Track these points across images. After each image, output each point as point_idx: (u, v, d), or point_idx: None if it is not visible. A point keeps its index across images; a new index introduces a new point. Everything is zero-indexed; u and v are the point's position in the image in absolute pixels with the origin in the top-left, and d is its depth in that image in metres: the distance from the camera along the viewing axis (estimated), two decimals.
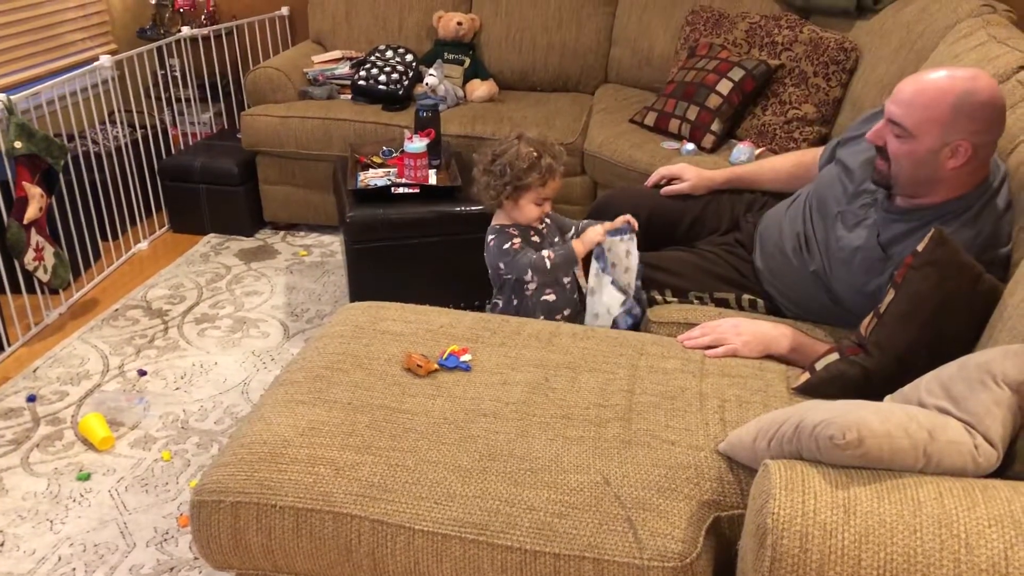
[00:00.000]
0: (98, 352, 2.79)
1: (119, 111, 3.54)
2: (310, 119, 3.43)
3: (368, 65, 3.58)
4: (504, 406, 1.62)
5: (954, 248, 1.55)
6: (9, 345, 2.82)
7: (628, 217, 2.12)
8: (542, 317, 2.14)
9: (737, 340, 1.82)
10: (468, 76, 3.69)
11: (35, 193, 2.79)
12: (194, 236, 3.64)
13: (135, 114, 3.69)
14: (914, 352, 1.55)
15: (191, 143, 3.90)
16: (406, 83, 3.55)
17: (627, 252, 2.09)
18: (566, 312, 2.19)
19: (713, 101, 3.09)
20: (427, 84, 3.51)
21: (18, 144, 2.70)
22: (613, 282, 2.08)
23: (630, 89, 3.69)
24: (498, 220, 2.17)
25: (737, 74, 3.10)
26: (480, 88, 3.62)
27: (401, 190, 2.75)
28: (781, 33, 3.18)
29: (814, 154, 2.22)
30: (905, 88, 1.69)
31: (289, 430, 1.57)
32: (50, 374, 2.67)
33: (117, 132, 3.57)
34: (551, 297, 2.15)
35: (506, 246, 2.09)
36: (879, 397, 1.50)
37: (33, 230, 2.81)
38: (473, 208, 2.70)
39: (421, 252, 2.74)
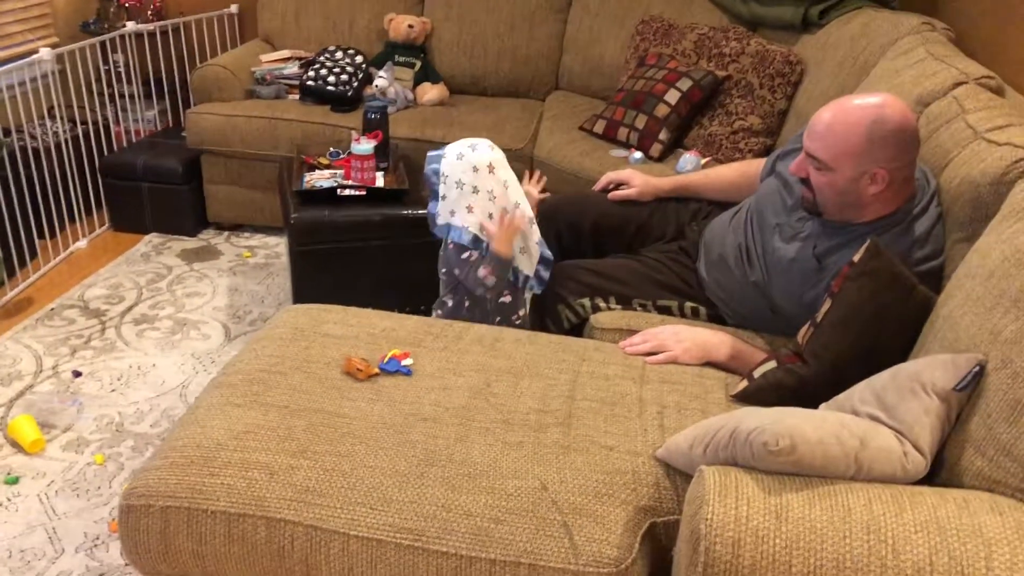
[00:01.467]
0: (31, 352, 2.71)
1: (59, 106, 3.46)
2: (257, 118, 3.38)
3: (317, 65, 3.55)
4: (444, 411, 1.60)
5: (889, 260, 1.58)
6: None
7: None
8: (498, 319, 2.13)
9: (677, 347, 1.83)
10: (419, 79, 3.67)
11: None
12: (135, 235, 3.56)
13: (76, 109, 3.60)
14: (849, 361, 1.58)
15: (135, 140, 3.82)
16: (355, 84, 3.52)
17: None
18: (521, 312, 2.18)
19: (661, 110, 3.12)
20: (376, 86, 3.49)
21: None
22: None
23: (580, 97, 3.71)
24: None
25: (685, 84, 3.13)
26: (431, 91, 3.61)
27: (347, 192, 2.73)
28: (729, 45, 3.22)
29: (758, 165, 2.25)
30: (818, 123, 1.74)
31: (223, 433, 1.54)
32: None
33: (57, 127, 3.48)
34: (507, 299, 2.14)
35: (465, 255, 2.06)
36: (815, 404, 1.52)
37: None
38: (420, 211, 2.68)
39: (367, 255, 2.72)
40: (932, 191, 1.79)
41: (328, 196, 2.73)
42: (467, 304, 2.13)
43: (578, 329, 2.12)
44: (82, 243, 3.46)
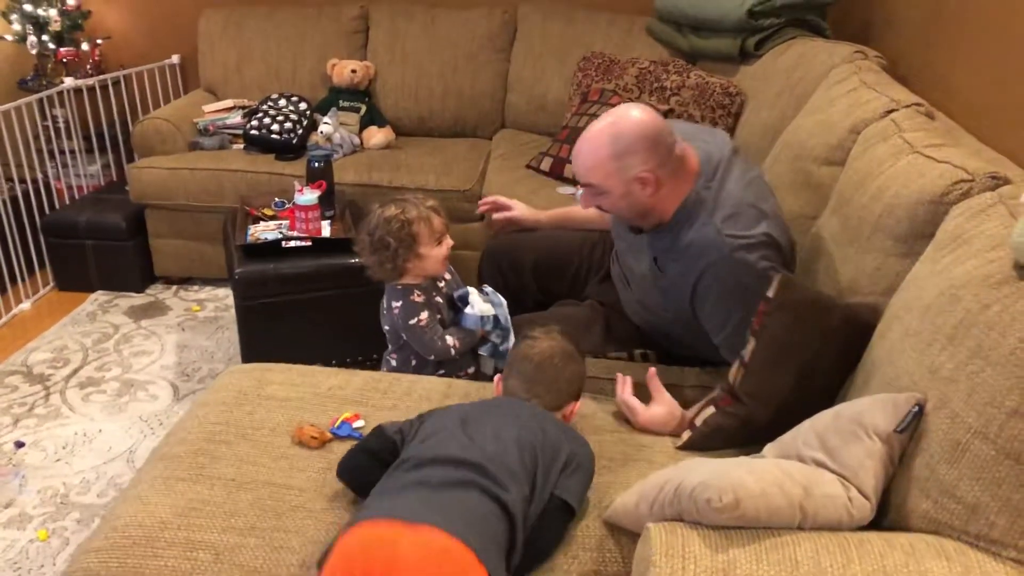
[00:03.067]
0: None
1: None
2: (200, 170, 3.34)
3: (260, 114, 3.52)
4: None
5: (802, 288, 1.60)
6: None
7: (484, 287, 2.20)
8: (441, 372, 2.10)
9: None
10: (364, 123, 3.66)
11: None
12: (81, 294, 3.49)
13: (15, 168, 3.54)
14: (786, 395, 1.58)
15: (77, 197, 3.76)
16: (300, 131, 3.50)
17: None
18: (470, 370, 2.15)
19: None
20: (321, 132, 3.47)
21: None
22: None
23: (527, 134, 3.72)
24: (402, 281, 2.07)
25: None
26: (377, 135, 3.60)
27: (292, 244, 2.70)
28: (670, 78, 3.25)
29: None
30: (577, 155, 1.85)
31: (167, 510, 1.49)
32: None
33: None
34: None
35: (412, 321, 2.02)
36: (761, 441, 1.52)
37: None
38: None
39: (315, 306, 2.68)
40: (718, 159, 1.86)
41: (273, 248, 2.69)
42: (413, 363, 2.11)
43: None
44: (25, 305, 3.38)
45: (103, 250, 3.45)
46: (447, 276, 2.14)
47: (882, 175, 1.79)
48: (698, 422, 1.69)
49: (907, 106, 2.05)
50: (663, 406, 1.75)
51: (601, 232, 2.38)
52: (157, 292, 3.50)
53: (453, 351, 2.05)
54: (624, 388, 1.79)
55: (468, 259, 3.30)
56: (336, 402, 1.79)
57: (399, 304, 2.04)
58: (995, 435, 1.17)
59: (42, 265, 3.54)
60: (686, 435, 1.68)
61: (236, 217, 2.92)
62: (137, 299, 3.45)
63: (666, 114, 3.16)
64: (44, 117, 3.80)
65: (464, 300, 2.10)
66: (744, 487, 1.20)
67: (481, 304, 2.08)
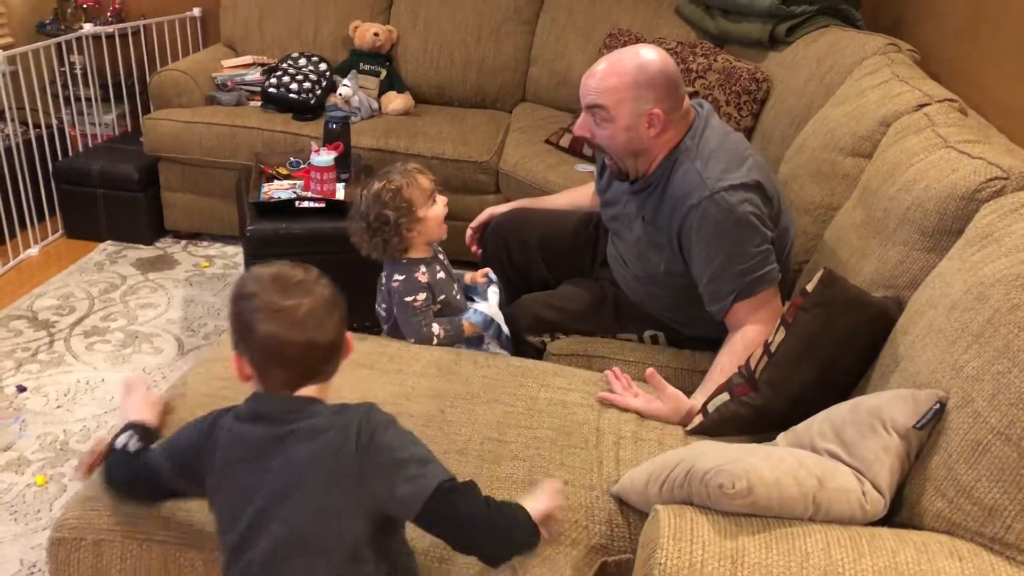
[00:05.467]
0: None
1: (11, 108, 3.36)
2: (216, 125, 3.31)
3: (280, 72, 3.48)
4: None
5: (843, 285, 1.56)
6: None
7: (486, 271, 2.17)
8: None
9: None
10: (384, 88, 3.62)
11: None
12: (90, 243, 3.47)
13: (30, 112, 3.50)
14: (807, 390, 1.56)
15: (91, 145, 3.73)
16: (319, 92, 3.45)
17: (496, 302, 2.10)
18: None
19: None
20: (340, 94, 3.42)
21: None
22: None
23: (547, 109, 3.67)
24: (405, 256, 2.01)
25: None
26: (396, 101, 3.55)
27: (306, 204, 2.66)
28: (696, 60, 3.20)
29: (584, 191, 2.39)
30: (591, 78, 1.84)
31: None
32: None
33: (9, 130, 3.38)
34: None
35: (408, 298, 1.97)
36: (773, 431, 1.49)
37: None
38: None
39: (325, 269, 2.59)
40: (706, 112, 1.91)
41: (286, 208, 2.66)
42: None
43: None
44: (33, 250, 3.36)
45: (114, 200, 3.42)
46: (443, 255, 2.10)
47: (912, 167, 1.75)
48: (711, 408, 1.66)
49: (940, 101, 2.01)
50: (668, 402, 1.70)
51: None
52: (166, 246, 3.48)
53: (435, 340, 1.97)
54: (620, 394, 1.74)
55: None
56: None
57: (402, 277, 1.98)
58: (1019, 437, 1.14)
59: (52, 212, 3.52)
60: (698, 419, 1.65)
61: (251, 174, 2.88)
62: (146, 251, 3.43)
63: (690, 96, 3.11)
64: (61, 63, 3.76)
65: (481, 294, 2.07)
66: (758, 474, 1.18)
67: (495, 305, 2.04)
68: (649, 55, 1.81)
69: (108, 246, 3.45)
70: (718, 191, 1.75)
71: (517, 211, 2.35)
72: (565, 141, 3.26)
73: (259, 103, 3.49)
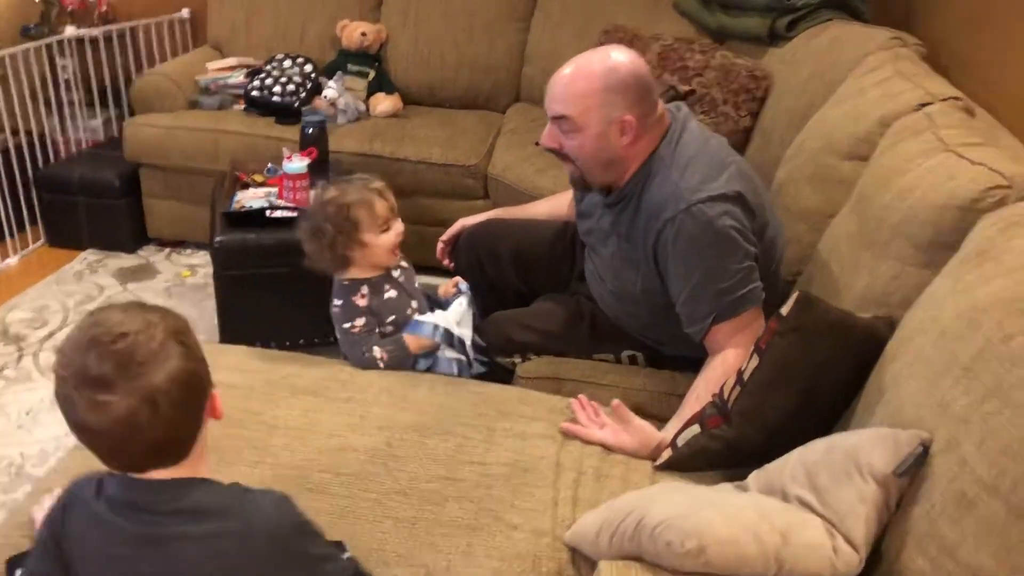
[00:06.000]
0: None
1: None
2: (197, 131, 3.20)
3: (263, 75, 3.37)
4: (335, 477, 1.43)
5: (823, 309, 1.41)
6: None
7: (456, 280, 2.04)
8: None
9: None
10: (372, 89, 3.49)
11: None
12: (72, 252, 3.37)
13: (9, 119, 3.41)
14: (784, 421, 1.41)
15: (75, 151, 3.63)
16: (303, 95, 3.34)
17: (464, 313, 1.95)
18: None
19: None
20: (326, 97, 3.31)
21: None
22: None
23: (541, 109, 3.50)
24: (348, 275, 1.89)
25: None
26: (384, 102, 3.43)
27: (278, 213, 2.55)
28: (693, 58, 3.05)
29: (566, 197, 2.20)
30: (556, 85, 1.70)
31: None
32: None
33: None
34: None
35: (346, 325, 1.84)
36: (748, 465, 1.35)
37: None
38: None
39: (298, 281, 2.52)
40: (683, 116, 1.76)
41: (258, 217, 2.54)
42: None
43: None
44: (12, 260, 3.27)
45: (95, 208, 3.33)
46: (403, 264, 1.95)
47: (909, 173, 1.60)
48: (680, 442, 1.52)
49: (944, 100, 1.85)
50: (635, 435, 1.57)
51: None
52: (149, 254, 3.38)
53: (380, 364, 1.82)
54: (585, 425, 1.60)
55: None
56: (287, 391, 1.65)
57: (339, 303, 1.86)
58: (1008, 491, 0.99)
59: (34, 220, 3.43)
60: (667, 454, 1.51)
61: (224, 182, 2.77)
62: (127, 260, 3.33)
63: (687, 95, 2.97)
64: (52, 69, 3.67)
65: (441, 304, 1.94)
66: (712, 531, 1.04)
67: (448, 315, 1.89)
68: (619, 57, 1.66)
69: (89, 255, 3.35)
70: (695, 203, 1.60)
71: (490, 222, 2.21)
72: None
73: (243, 107, 3.38)
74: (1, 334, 2.79)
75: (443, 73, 3.58)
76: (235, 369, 1.71)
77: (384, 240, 1.86)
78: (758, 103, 2.83)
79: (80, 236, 3.39)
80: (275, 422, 1.55)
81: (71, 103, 3.68)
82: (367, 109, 3.42)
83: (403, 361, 1.84)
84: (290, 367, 1.74)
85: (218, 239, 2.48)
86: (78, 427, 0.99)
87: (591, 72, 1.65)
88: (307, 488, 1.40)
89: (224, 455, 1.45)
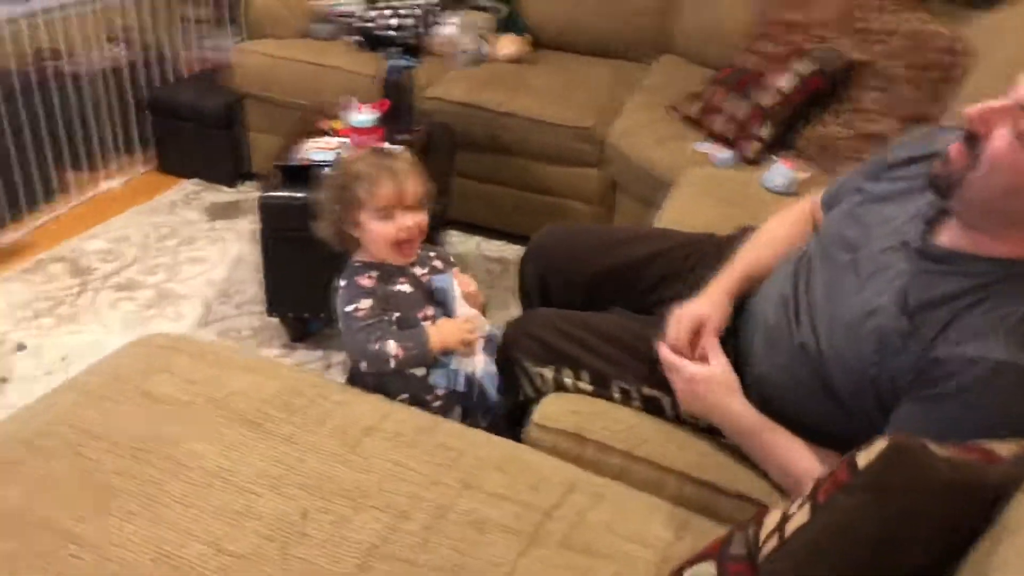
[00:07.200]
0: None
1: (124, 29, 3.17)
2: (302, 63, 2.95)
3: (381, 5, 3.05)
4: (213, 556, 1.11)
5: (915, 463, 0.91)
6: None
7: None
8: (406, 397, 1.58)
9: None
10: (501, 27, 3.09)
11: None
12: (178, 180, 3.25)
13: (145, 33, 3.30)
14: None
15: (198, 71, 3.49)
16: (421, 30, 2.99)
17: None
18: (439, 391, 1.61)
19: (768, 98, 2.40)
20: (444, 34, 2.95)
21: None
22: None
23: (691, 66, 3.00)
24: (359, 255, 1.61)
25: (806, 67, 2.39)
26: (508, 45, 3.02)
27: None
28: (881, 18, 2.43)
29: (801, 208, 1.58)
30: None
31: None
32: None
33: (118, 51, 3.19)
34: (420, 371, 1.59)
35: (349, 308, 1.53)
36: None
37: None
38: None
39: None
40: None
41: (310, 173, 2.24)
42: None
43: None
44: (116, 182, 3.19)
45: (201, 137, 3.18)
46: (412, 266, 1.60)
47: None
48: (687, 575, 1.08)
49: None
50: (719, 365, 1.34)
51: (688, 236, 1.75)
52: (248, 191, 3.19)
53: (393, 363, 1.50)
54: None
55: (577, 212, 2.74)
56: (223, 416, 1.34)
57: (343, 283, 1.57)
58: None
59: (146, 144, 3.33)
60: None
61: (300, 126, 2.49)
62: (225, 195, 3.16)
63: (860, 66, 2.37)
64: None
65: (442, 291, 1.58)
66: None
67: (473, 360, 1.58)
68: None
69: (190, 185, 3.21)
70: None
71: (568, 243, 1.76)
72: (694, 110, 2.61)
73: (356, 38, 3.08)
74: (72, 264, 2.69)
75: (583, 12, 3.12)
76: (180, 377, 1.42)
77: (381, 230, 1.53)
78: (950, 85, 2.20)
79: (187, 164, 3.26)
80: (188, 460, 1.25)
81: (199, 20, 3.52)
82: (489, 51, 3.03)
83: (422, 360, 1.55)
84: (247, 379, 1.43)
85: (264, 195, 2.21)
86: None
87: None
88: (171, 564, 1.09)
89: (103, 504, 1.17)
